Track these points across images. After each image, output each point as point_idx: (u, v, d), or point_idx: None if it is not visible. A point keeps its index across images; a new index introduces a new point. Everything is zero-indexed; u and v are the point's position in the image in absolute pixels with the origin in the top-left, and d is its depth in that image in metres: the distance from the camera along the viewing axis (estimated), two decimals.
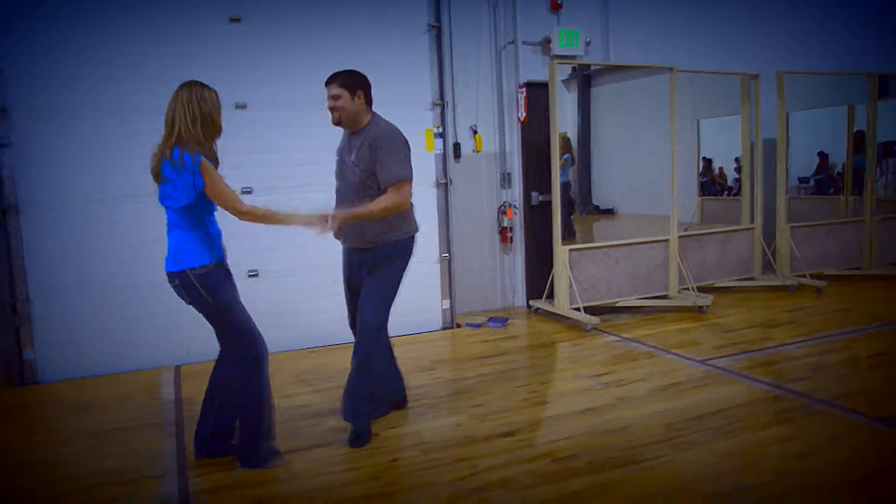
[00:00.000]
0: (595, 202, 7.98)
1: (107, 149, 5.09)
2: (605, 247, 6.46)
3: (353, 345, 3.78)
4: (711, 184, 8.32)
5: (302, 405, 4.35)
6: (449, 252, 6.27)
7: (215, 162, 3.25)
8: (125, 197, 5.10)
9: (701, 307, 6.41)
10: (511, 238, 6.90)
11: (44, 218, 5.01)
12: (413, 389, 4.33)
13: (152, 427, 4.05)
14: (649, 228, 6.89)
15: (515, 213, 6.89)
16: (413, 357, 5.27)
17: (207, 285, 3.24)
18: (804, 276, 7.35)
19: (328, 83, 3.65)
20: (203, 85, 3.27)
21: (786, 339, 5.46)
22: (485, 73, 6.78)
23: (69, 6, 5.01)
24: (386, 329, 3.80)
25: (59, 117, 5.01)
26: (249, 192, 5.41)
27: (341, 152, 3.80)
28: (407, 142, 3.65)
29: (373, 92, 3.74)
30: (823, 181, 8.59)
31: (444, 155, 6.19)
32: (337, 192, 3.80)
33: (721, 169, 8.32)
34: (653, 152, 7.25)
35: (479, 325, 6.29)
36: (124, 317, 5.20)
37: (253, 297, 5.49)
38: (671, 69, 6.55)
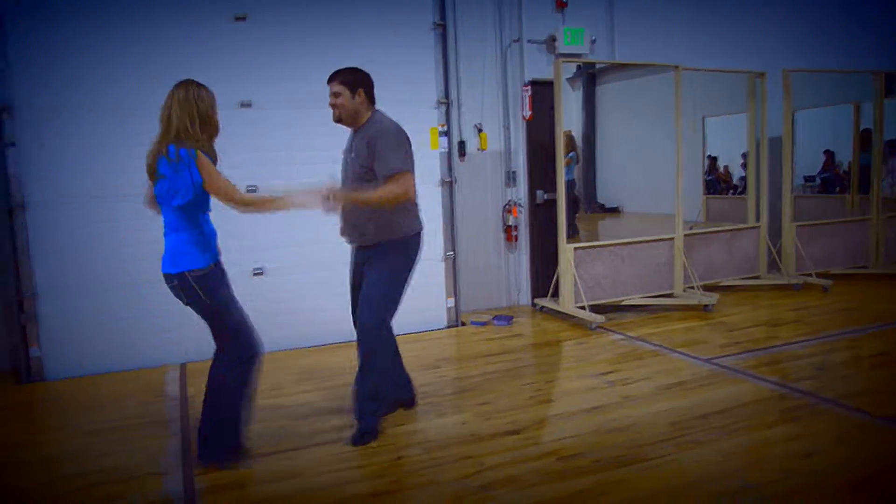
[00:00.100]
0: (600, 200, 7.99)
1: (107, 148, 5.09)
2: (610, 245, 6.45)
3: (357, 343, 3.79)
4: (716, 182, 8.31)
5: (306, 403, 4.36)
6: (454, 250, 6.27)
7: (214, 159, 3.25)
8: (125, 196, 5.09)
9: (706, 306, 6.40)
10: (516, 236, 6.90)
11: (45, 217, 5.03)
12: (418, 388, 4.33)
13: (157, 425, 4.06)
14: (654, 227, 6.88)
15: (520, 212, 6.88)
16: (418, 355, 5.27)
17: (205, 287, 3.25)
18: (810, 274, 7.33)
19: (329, 81, 3.67)
20: (199, 84, 3.27)
21: (791, 337, 5.45)
22: (490, 72, 6.77)
23: (70, 6, 5.02)
24: (388, 327, 3.76)
25: (59, 117, 5.02)
26: (254, 190, 5.41)
27: (345, 150, 3.81)
28: (406, 137, 3.63)
29: (377, 90, 3.75)
30: (829, 179, 8.57)
31: (449, 153, 6.19)
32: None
33: (726, 167, 8.31)
34: (658, 151, 7.25)
35: (483, 324, 6.29)
36: (128, 315, 5.22)
37: (257, 295, 5.56)
38: (676, 67, 6.53)
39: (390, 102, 3.95)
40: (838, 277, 7.46)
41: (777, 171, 7.57)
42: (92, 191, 5.09)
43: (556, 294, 6.49)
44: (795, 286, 7.19)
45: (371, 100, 3.70)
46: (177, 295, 3.31)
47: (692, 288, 6.66)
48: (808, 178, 8.60)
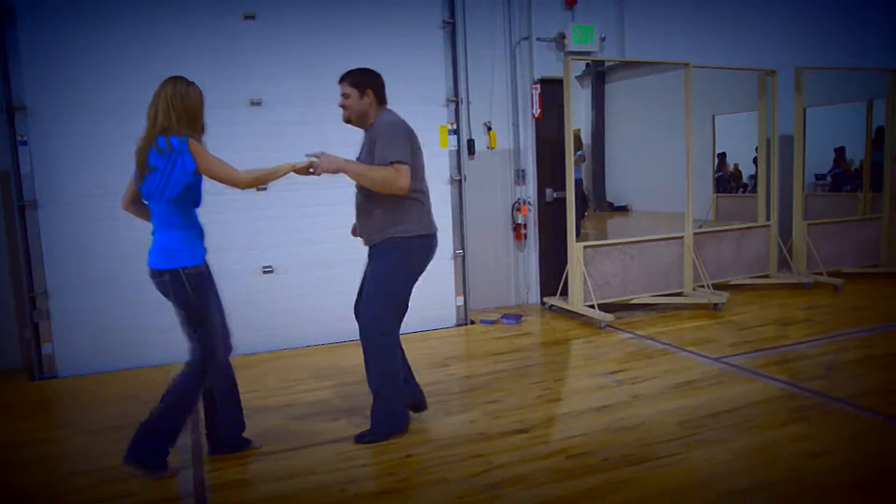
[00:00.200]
0: (609, 199, 7.97)
1: (107, 148, 5.10)
2: (619, 244, 6.44)
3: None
4: (725, 179, 8.27)
5: (317, 400, 4.38)
6: (463, 248, 6.28)
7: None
8: None
9: (716, 304, 6.38)
10: (525, 235, 6.90)
11: (57, 215, 5.07)
12: (427, 386, 4.33)
13: None
14: (664, 225, 6.87)
15: (529, 210, 6.88)
16: (427, 353, 5.28)
17: (196, 286, 3.23)
18: (821, 273, 7.29)
19: (340, 81, 3.66)
20: (188, 81, 3.25)
21: (802, 337, 5.43)
22: (499, 70, 6.77)
23: (75, 5, 5.05)
24: (389, 331, 3.65)
25: (59, 117, 5.05)
26: (264, 189, 5.45)
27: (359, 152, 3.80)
28: (405, 131, 3.57)
29: (387, 89, 3.74)
30: (840, 176, 8.51)
31: (459, 151, 6.20)
32: (355, 189, 3.80)
33: (736, 165, 8.28)
34: (667, 149, 7.22)
35: (492, 322, 6.29)
36: (140, 312, 5.23)
37: (265, 293, 5.60)
38: (686, 65, 6.51)
39: (399, 101, 3.95)
40: (849, 276, 7.42)
41: (788, 170, 7.54)
42: (92, 189, 5.10)
43: (565, 293, 6.48)
44: (806, 285, 7.16)
45: (381, 100, 3.68)
46: (163, 291, 3.26)
47: (702, 286, 6.64)
48: (819, 177, 8.55)
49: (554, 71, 6.61)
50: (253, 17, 5.46)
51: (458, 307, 6.28)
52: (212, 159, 3.20)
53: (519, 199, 6.89)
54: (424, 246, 3.67)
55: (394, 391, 3.69)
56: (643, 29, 7.12)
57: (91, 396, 4.68)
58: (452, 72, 6.15)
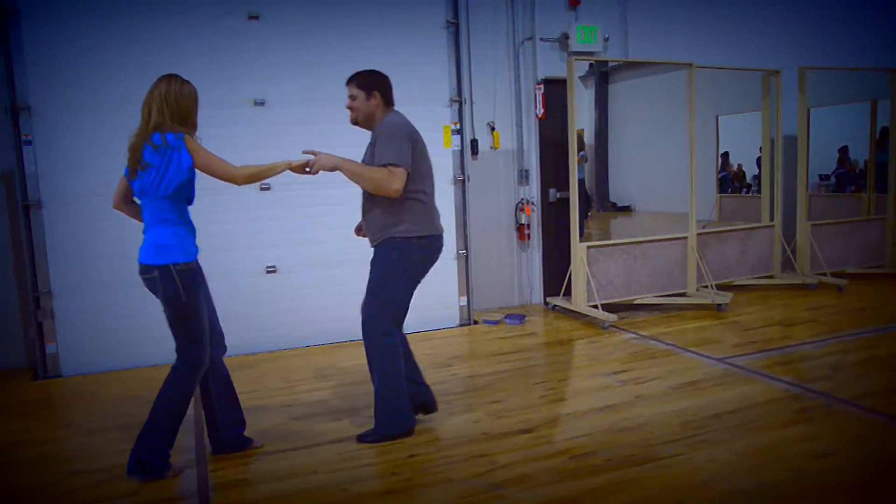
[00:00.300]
0: (612, 199, 7.97)
1: (110, 147, 5.09)
2: (622, 244, 6.44)
3: None
4: (728, 179, 8.26)
5: (320, 400, 4.38)
6: (466, 249, 6.28)
7: None
8: None
9: (720, 305, 6.37)
10: (528, 235, 6.90)
11: (60, 214, 5.08)
12: (430, 386, 4.33)
13: None
14: (667, 226, 6.86)
15: (533, 210, 6.88)
16: (430, 353, 5.28)
17: (187, 283, 3.20)
18: (824, 274, 7.28)
19: (347, 83, 3.66)
20: (182, 80, 3.25)
21: (806, 337, 5.42)
22: (502, 70, 6.77)
23: (77, 5, 5.05)
24: (388, 327, 3.62)
25: (62, 117, 5.05)
26: (267, 189, 5.46)
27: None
28: (408, 133, 3.54)
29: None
30: (843, 176, 8.50)
31: (462, 152, 6.20)
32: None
33: (740, 166, 8.27)
34: (670, 149, 7.22)
35: (496, 322, 6.29)
36: (144, 312, 5.17)
37: (268, 293, 5.61)
38: (690, 65, 6.50)
39: (403, 101, 3.94)
40: (854, 277, 7.41)
41: (791, 170, 7.53)
42: (96, 189, 5.10)
43: (568, 293, 6.48)
44: (810, 286, 7.15)
45: (388, 102, 3.67)
46: (152, 287, 3.23)
47: (705, 287, 6.63)
48: (822, 177, 8.54)
49: (557, 71, 6.61)
50: (257, 18, 5.47)
51: (461, 307, 6.28)
52: (208, 155, 3.20)
53: (522, 199, 6.89)
54: (426, 247, 3.64)
55: (395, 391, 3.67)
56: (647, 29, 7.12)
57: (94, 396, 4.68)
58: (456, 72, 6.15)
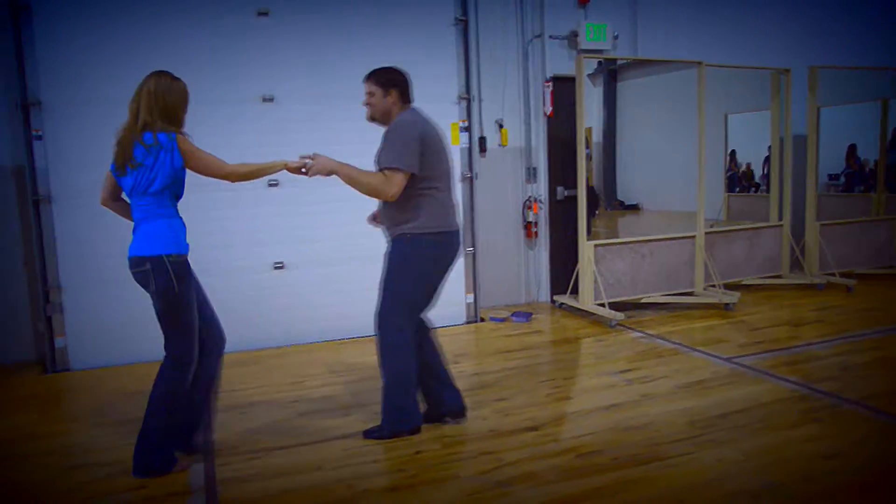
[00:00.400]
0: (620, 197, 7.94)
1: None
2: (630, 242, 6.43)
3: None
4: (736, 178, 8.22)
5: (329, 396, 4.39)
6: (473, 246, 6.28)
7: None
8: None
9: (727, 304, 6.36)
10: (536, 233, 6.89)
11: (69, 209, 5.10)
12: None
13: None
14: (675, 224, 6.84)
15: (540, 208, 6.87)
16: None
17: (179, 275, 3.19)
18: (833, 274, 7.25)
19: (365, 80, 3.66)
20: (172, 76, 3.24)
21: (813, 338, 5.40)
22: (511, 68, 6.76)
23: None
24: (398, 324, 3.61)
25: (72, 112, 5.07)
26: (275, 185, 5.47)
27: None
28: (418, 133, 3.50)
29: None
30: (852, 176, 8.45)
31: (470, 149, 6.20)
32: None
33: (748, 165, 8.23)
34: (679, 148, 7.19)
35: (503, 320, 6.29)
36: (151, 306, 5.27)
37: (277, 288, 5.62)
38: (699, 64, 6.48)
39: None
40: (862, 277, 7.38)
41: (801, 170, 7.49)
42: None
43: (575, 291, 6.47)
44: (818, 286, 7.12)
45: (405, 100, 3.67)
46: (143, 280, 3.20)
47: (713, 286, 6.62)
48: (832, 177, 8.49)
49: (566, 69, 6.60)
50: (266, 14, 5.47)
51: (468, 304, 6.29)
52: (202, 155, 3.20)
53: (530, 196, 6.88)
54: (439, 243, 3.61)
55: (403, 389, 3.66)
56: (656, 27, 7.10)
57: (103, 390, 4.71)
58: (465, 69, 6.15)
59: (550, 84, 6.63)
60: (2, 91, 5.11)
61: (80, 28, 5.04)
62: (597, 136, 7.63)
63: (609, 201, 7.85)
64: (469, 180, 6.20)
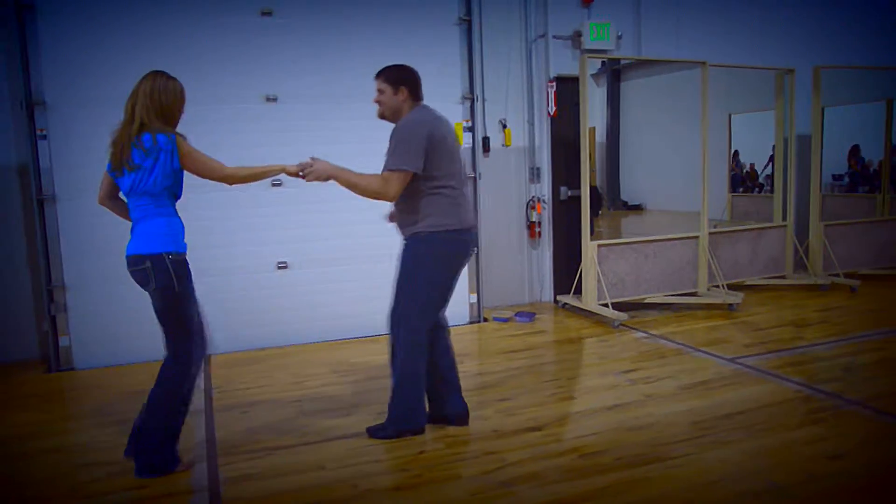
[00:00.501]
0: (623, 197, 7.93)
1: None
2: (634, 242, 6.42)
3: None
4: (738, 178, 8.21)
5: (329, 396, 4.39)
6: (477, 246, 6.26)
7: None
8: None
9: (731, 305, 6.35)
10: (539, 233, 6.89)
11: (73, 208, 5.11)
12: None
13: None
14: (678, 224, 6.83)
15: (544, 208, 6.87)
16: None
17: (179, 274, 3.19)
18: (837, 274, 7.23)
19: (375, 77, 3.65)
20: (168, 76, 3.23)
21: (817, 338, 5.39)
22: (515, 67, 6.76)
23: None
24: (414, 324, 3.61)
25: (76, 111, 5.07)
26: (279, 185, 5.47)
27: None
28: (425, 132, 3.47)
29: None
30: (856, 176, 8.42)
31: (473, 149, 6.20)
32: None
33: (752, 165, 8.21)
34: (683, 148, 7.18)
35: (506, 320, 6.29)
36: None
37: (277, 289, 5.62)
38: (703, 64, 6.46)
39: None
40: (866, 278, 7.36)
41: (805, 170, 7.48)
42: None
43: (578, 291, 6.47)
44: (822, 286, 7.10)
45: (416, 97, 3.66)
46: (142, 279, 3.19)
47: (717, 287, 6.60)
48: (836, 177, 8.48)
49: (570, 69, 6.59)
50: (270, 14, 5.48)
51: (471, 304, 6.28)
52: (200, 157, 3.19)
53: (533, 196, 6.88)
54: (453, 240, 3.58)
55: (412, 390, 3.65)
56: (660, 27, 7.09)
57: (107, 389, 4.72)
58: (468, 69, 6.15)
59: (554, 84, 6.62)
60: (6, 90, 5.12)
61: (83, 27, 5.05)
62: (600, 136, 7.63)
63: (612, 201, 7.85)
64: (472, 180, 6.20)
